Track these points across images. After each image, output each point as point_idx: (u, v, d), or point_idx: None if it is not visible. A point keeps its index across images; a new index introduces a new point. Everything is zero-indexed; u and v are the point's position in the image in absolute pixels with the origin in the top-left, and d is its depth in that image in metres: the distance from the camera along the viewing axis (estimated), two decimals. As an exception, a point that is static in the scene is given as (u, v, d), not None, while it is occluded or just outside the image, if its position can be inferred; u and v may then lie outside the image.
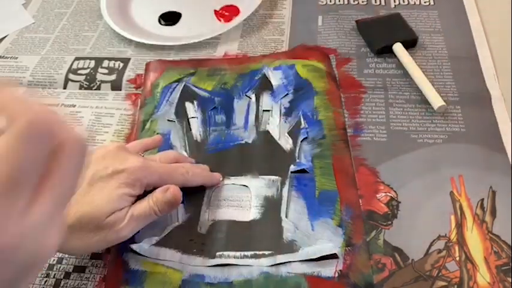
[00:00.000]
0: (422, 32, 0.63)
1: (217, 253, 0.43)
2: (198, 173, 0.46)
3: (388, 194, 0.47)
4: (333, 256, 0.41)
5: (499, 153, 0.49)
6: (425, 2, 0.67)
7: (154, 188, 0.42)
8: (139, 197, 0.42)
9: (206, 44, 0.65)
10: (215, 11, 0.70)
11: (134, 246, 0.43)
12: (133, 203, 0.41)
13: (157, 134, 0.53)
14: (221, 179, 0.48)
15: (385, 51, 0.60)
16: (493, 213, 0.44)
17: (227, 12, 0.69)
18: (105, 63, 0.63)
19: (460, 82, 0.56)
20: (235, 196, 0.47)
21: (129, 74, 0.61)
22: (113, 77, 0.61)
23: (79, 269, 0.44)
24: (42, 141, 0.22)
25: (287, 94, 0.55)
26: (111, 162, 0.40)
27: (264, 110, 0.54)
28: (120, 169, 0.39)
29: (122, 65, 0.63)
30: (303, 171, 0.48)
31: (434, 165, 0.48)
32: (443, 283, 0.41)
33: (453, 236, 0.43)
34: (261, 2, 0.68)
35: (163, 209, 0.42)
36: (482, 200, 0.46)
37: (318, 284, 0.40)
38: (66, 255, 0.45)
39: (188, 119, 0.54)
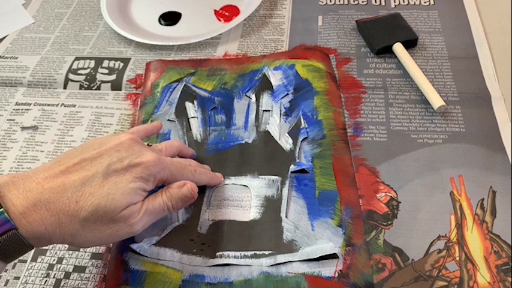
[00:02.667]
0: (422, 32, 0.63)
1: (217, 253, 0.43)
2: (204, 172, 0.46)
3: (388, 194, 0.47)
4: (333, 256, 0.41)
5: (499, 153, 0.49)
6: (425, 2, 0.67)
7: (163, 184, 0.42)
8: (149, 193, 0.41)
9: (206, 44, 0.65)
10: (215, 11, 0.70)
11: (134, 246, 0.43)
12: (145, 198, 0.41)
13: (158, 133, 0.53)
14: (222, 179, 0.48)
15: (385, 51, 0.60)
16: (493, 213, 0.44)
17: (227, 12, 0.69)
18: (105, 63, 0.63)
19: (460, 82, 0.56)
20: (235, 196, 0.47)
21: (129, 74, 0.62)
22: (113, 77, 0.61)
23: (79, 269, 0.44)
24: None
25: (287, 94, 0.55)
26: (125, 154, 0.39)
27: (264, 110, 0.54)
28: (136, 162, 0.39)
29: (121, 65, 0.63)
30: (303, 171, 0.48)
31: (434, 165, 0.48)
32: (443, 283, 0.41)
33: (453, 236, 0.43)
34: (261, 2, 0.68)
35: (176, 205, 0.42)
36: (482, 200, 0.46)
37: (318, 284, 0.40)
38: (67, 255, 0.45)
39: (188, 119, 0.54)
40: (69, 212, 0.36)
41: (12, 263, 0.44)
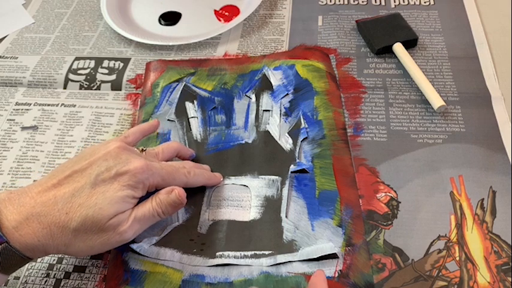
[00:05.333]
0: (422, 32, 0.63)
1: (217, 253, 0.43)
2: (200, 173, 0.46)
3: (388, 194, 0.47)
4: (333, 256, 0.41)
5: (499, 153, 0.49)
6: (425, 2, 0.67)
7: (157, 189, 0.42)
8: (142, 199, 0.42)
9: (206, 44, 0.65)
10: (215, 11, 0.70)
11: (134, 246, 0.43)
12: (135, 205, 0.41)
13: (157, 133, 0.53)
14: (222, 179, 0.48)
15: (385, 51, 0.60)
16: (493, 213, 0.44)
17: (227, 12, 0.69)
18: (105, 63, 0.63)
19: (460, 82, 0.56)
20: (235, 196, 0.47)
21: (129, 74, 0.62)
22: (113, 77, 0.61)
23: (79, 269, 0.44)
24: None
25: (287, 94, 0.55)
26: (113, 163, 0.40)
27: (264, 110, 0.54)
28: (123, 171, 0.39)
29: (121, 65, 0.63)
30: (303, 171, 0.48)
31: (434, 165, 0.48)
32: (444, 283, 0.41)
33: (453, 236, 0.43)
34: (261, 2, 0.68)
35: (167, 211, 0.42)
36: (482, 200, 0.46)
37: (318, 284, 0.40)
38: (66, 255, 0.45)
39: (188, 119, 0.54)
40: (60, 224, 0.37)
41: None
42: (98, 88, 0.61)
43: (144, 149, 0.45)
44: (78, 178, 0.39)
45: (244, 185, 0.48)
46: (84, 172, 0.39)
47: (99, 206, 0.38)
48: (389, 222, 0.45)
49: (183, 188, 0.43)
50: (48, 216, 0.37)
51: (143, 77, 0.61)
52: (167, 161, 0.47)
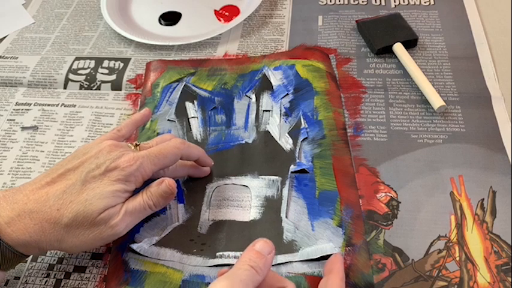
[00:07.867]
0: (422, 32, 0.63)
1: (217, 253, 0.43)
2: (194, 146, 0.46)
3: (388, 194, 0.47)
4: (333, 256, 0.41)
5: (499, 153, 0.49)
6: (425, 2, 0.67)
7: (153, 178, 0.42)
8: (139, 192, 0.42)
9: (206, 44, 0.65)
10: (215, 11, 0.70)
11: (134, 246, 0.43)
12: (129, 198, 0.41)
13: (157, 133, 0.53)
14: (213, 163, 0.48)
15: (385, 51, 0.60)
16: (493, 213, 0.45)
17: (227, 12, 0.69)
18: (105, 63, 0.63)
19: (460, 82, 0.56)
20: (235, 196, 0.47)
21: (129, 74, 0.62)
22: (113, 77, 0.61)
23: (79, 269, 0.44)
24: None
25: (287, 94, 0.55)
26: (103, 160, 0.40)
27: (264, 110, 0.54)
28: (112, 167, 0.40)
29: (122, 65, 0.63)
30: (303, 171, 0.48)
31: (434, 165, 0.48)
32: (444, 283, 0.41)
33: (453, 236, 0.43)
34: (261, 2, 0.68)
35: (158, 202, 0.42)
36: (483, 200, 0.46)
37: (317, 284, 0.40)
38: (67, 255, 0.45)
39: (188, 119, 0.54)
40: (51, 220, 0.38)
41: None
42: (98, 88, 0.61)
43: (138, 143, 0.45)
44: (71, 176, 0.40)
45: (245, 185, 0.48)
46: (76, 170, 0.40)
47: (89, 201, 0.38)
48: (390, 222, 0.45)
49: (182, 186, 0.42)
50: (40, 213, 0.38)
51: (143, 77, 0.61)
52: None
